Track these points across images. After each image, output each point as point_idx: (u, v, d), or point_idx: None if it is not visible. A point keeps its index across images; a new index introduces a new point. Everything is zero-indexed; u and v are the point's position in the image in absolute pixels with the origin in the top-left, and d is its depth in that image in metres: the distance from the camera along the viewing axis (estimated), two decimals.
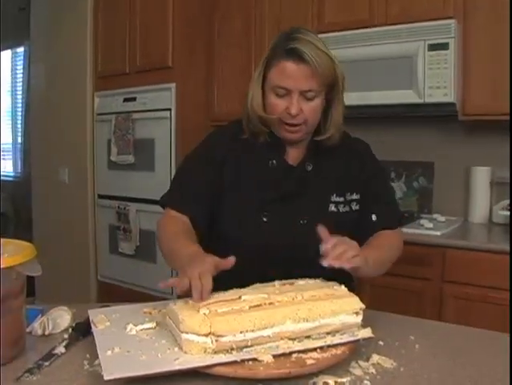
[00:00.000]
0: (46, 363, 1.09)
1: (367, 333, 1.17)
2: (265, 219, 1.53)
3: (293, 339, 1.11)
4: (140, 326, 1.23)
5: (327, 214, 1.56)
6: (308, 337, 1.13)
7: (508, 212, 2.78)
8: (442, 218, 2.99)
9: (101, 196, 4.06)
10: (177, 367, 1.02)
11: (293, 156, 1.61)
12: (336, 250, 1.26)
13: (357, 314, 1.17)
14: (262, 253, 1.49)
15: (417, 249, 2.60)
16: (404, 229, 2.66)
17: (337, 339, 1.12)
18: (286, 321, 1.10)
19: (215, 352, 1.06)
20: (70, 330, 1.28)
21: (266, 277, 1.32)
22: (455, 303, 2.50)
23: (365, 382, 1.03)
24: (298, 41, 1.43)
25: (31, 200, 4.66)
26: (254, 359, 1.05)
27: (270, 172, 1.58)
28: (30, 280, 3.94)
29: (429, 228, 2.70)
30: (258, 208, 1.54)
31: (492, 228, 2.92)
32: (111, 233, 3.98)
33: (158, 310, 1.34)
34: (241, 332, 1.07)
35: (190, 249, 1.37)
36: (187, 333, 1.06)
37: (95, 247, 4.14)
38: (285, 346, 1.09)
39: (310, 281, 1.30)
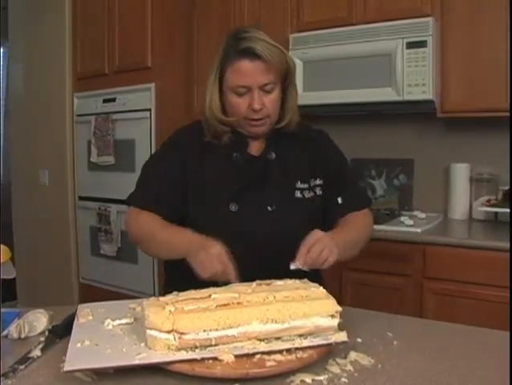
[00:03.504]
0: (22, 367, 1.08)
1: (341, 337, 1.13)
2: (232, 209, 1.56)
3: (261, 340, 1.10)
4: (118, 321, 1.24)
5: (293, 200, 1.61)
6: (278, 338, 1.11)
7: (487, 208, 2.81)
8: (422, 215, 3.00)
9: (82, 198, 4.03)
10: (136, 362, 1.03)
11: (255, 148, 1.67)
12: (311, 254, 1.36)
13: (332, 316, 1.14)
14: (236, 243, 1.49)
15: (398, 245, 2.61)
16: (385, 227, 2.69)
17: (307, 342, 1.10)
18: (253, 321, 1.09)
19: (178, 349, 1.06)
20: (46, 332, 1.27)
21: (244, 266, 1.35)
22: (436, 299, 2.51)
23: (342, 379, 1.03)
24: (248, 40, 1.50)
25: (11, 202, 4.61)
26: (215, 358, 1.04)
27: (234, 165, 1.62)
28: (12, 284, 3.88)
29: (410, 225, 2.71)
30: (225, 199, 1.57)
31: (472, 225, 2.94)
32: (92, 234, 3.96)
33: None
34: (204, 330, 1.06)
35: (190, 235, 1.47)
36: (151, 329, 1.07)
37: (76, 249, 4.12)
38: (250, 347, 1.08)
39: (289, 282, 1.27)
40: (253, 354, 1.07)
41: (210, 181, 1.60)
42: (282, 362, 1.05)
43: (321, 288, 1.24)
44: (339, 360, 1.11)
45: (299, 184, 1.62)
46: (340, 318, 1.15)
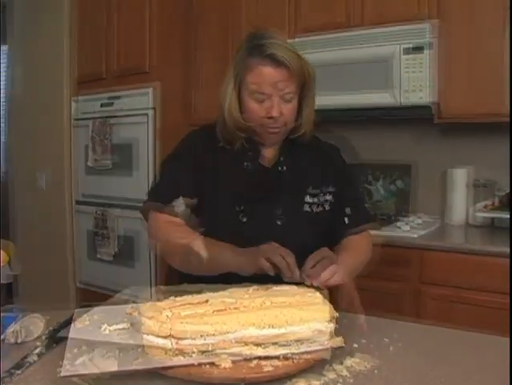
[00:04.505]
0: (18, 372, 1.08)
1: (337, 342, 1.13)
2: (244, 220, 1.55)
3: (258, 345, 1.09)
4: (115, 326, 1.23)
5: (301, 214, 1.61)
6: (275, 344, 1.10)
7: (485, 214, 2.81)
8: (420, 220, 3.00)
9: (79, 202, 4.02)
10: (133, 367, 1.03)
11: (267, 157, 1.64)
12: (316, 268, 1.34)
13: (329, 322, 1.13)
14: None
15: (395, 250, 2.61)
16: (382, 232, 2.68)
17: (304, 347, 1.10)
18: (250, 326, 1.08)
19: (175, 354, 1.06)
20: (43, 337, 1.27)
21: (253, 276, 1.34)
22: (433, 304, 2.51)
23: (339, 384, 1.03)
24: (272, 46, 1.47)
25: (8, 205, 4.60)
26: (212, 363, 1.05)
27: (246, 175, 1.60)
28: (8, 287, 3.86)
29: (407, 231, 2.72)
30: (236, 209, 1.56)
31: (469, 230, 2.94)
32: (89, 238, 3.94)
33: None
34: (201, 336, 1.06)
35: (240, 249, 1.43)
36: (147, 334, 1.06)
37: (73, 253, 4.10)
38: (247, 352, 1.07)
39: (286, 287, 1.27)
40: (251, 359, 1.07)
41: (222, 185, 1.58)
42: (279, 367, 1.05)
43: (317, 293, 1.23)
44: (335, 365, 1.11)
45: (308, 198, 1.61)
46: (337, 323, 1.15)
